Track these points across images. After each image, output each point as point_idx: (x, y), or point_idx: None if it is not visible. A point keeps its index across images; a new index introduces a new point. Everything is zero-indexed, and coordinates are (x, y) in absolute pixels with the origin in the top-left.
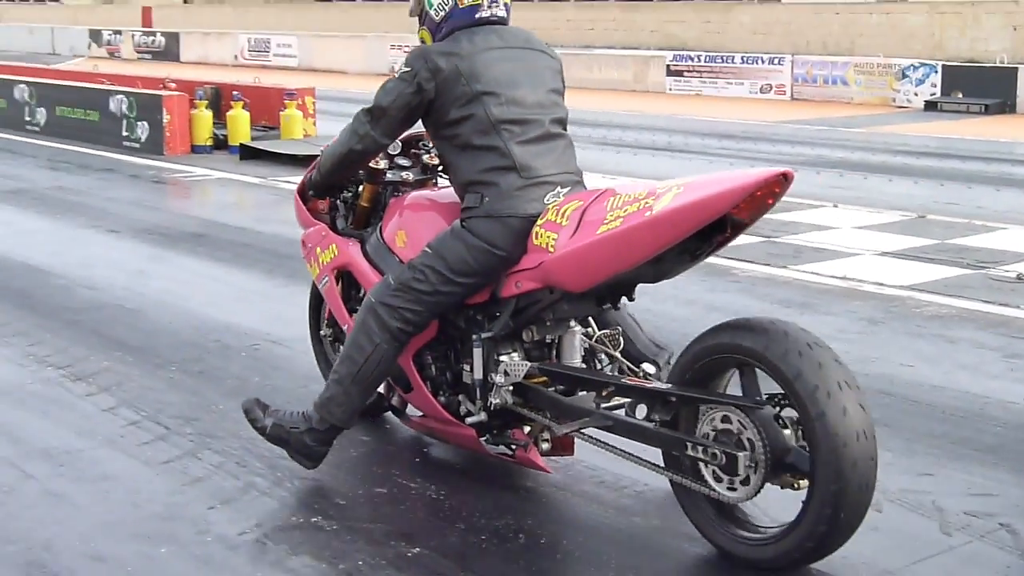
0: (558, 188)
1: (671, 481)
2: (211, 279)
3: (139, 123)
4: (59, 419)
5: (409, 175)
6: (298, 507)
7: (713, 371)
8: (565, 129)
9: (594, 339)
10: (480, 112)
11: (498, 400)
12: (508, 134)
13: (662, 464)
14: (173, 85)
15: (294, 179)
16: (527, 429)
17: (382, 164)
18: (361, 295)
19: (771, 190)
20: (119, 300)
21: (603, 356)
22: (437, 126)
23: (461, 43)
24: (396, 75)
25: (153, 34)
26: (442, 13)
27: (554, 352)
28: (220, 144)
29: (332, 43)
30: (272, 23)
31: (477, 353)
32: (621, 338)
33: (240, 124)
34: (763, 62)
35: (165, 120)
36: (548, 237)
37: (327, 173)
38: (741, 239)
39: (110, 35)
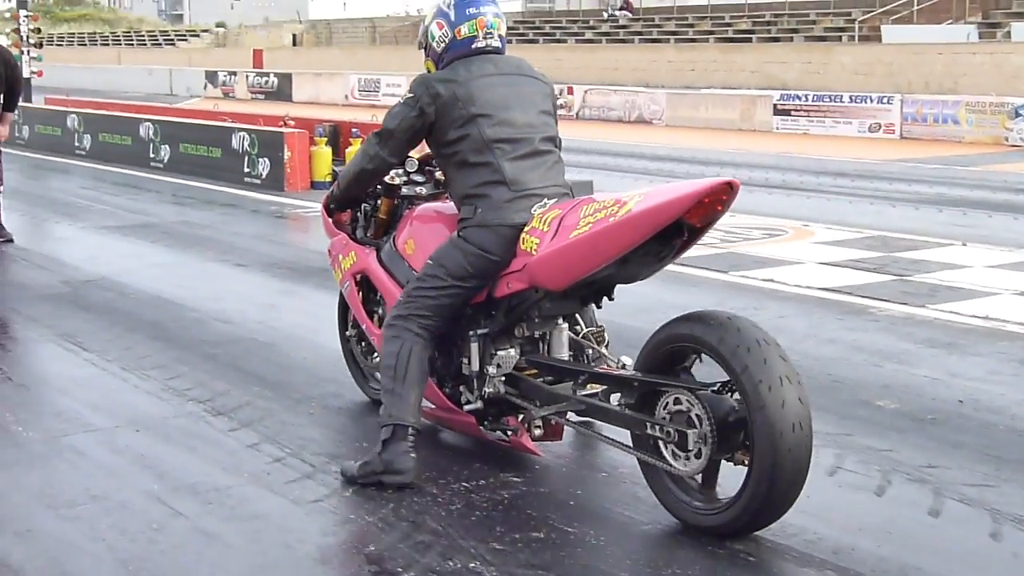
0: (545, 199)
1: (638, 459)
2: None
3: (260, 159)
4: (204, 455)
5: (423, 190)
6: (454, 551)
7: (675, 357)
8: (557, 147)
9: (581, 335)
10: (475, 132)
11: (492, 389)
12: (500, 152)
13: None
14: (292, 123)
15: None
16: (520, 417)
17: (398, 180)
18: (378, 298)
19: (718, 198)
20: (253, 334)
21: (590, 351)
22: (438, 145)
23: (458, 71)
24: (402, 101)
25: (266, 75)
26: (443, 45)
27: (545, 347)
28: None
29: None
30: (378, 64)
31: (474, 348)
32: (606, 335)
33: None
34: (871, 101)
35: (286, 157)
36: (532, 242)
37: (344, 189)
38: (876, 278)
39: (225, 76)
